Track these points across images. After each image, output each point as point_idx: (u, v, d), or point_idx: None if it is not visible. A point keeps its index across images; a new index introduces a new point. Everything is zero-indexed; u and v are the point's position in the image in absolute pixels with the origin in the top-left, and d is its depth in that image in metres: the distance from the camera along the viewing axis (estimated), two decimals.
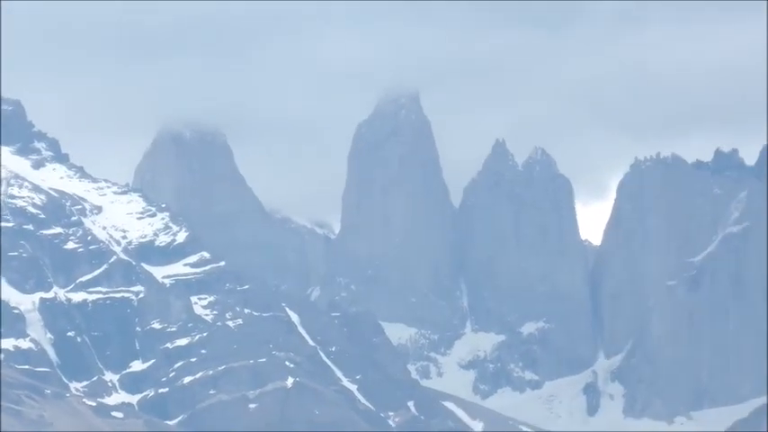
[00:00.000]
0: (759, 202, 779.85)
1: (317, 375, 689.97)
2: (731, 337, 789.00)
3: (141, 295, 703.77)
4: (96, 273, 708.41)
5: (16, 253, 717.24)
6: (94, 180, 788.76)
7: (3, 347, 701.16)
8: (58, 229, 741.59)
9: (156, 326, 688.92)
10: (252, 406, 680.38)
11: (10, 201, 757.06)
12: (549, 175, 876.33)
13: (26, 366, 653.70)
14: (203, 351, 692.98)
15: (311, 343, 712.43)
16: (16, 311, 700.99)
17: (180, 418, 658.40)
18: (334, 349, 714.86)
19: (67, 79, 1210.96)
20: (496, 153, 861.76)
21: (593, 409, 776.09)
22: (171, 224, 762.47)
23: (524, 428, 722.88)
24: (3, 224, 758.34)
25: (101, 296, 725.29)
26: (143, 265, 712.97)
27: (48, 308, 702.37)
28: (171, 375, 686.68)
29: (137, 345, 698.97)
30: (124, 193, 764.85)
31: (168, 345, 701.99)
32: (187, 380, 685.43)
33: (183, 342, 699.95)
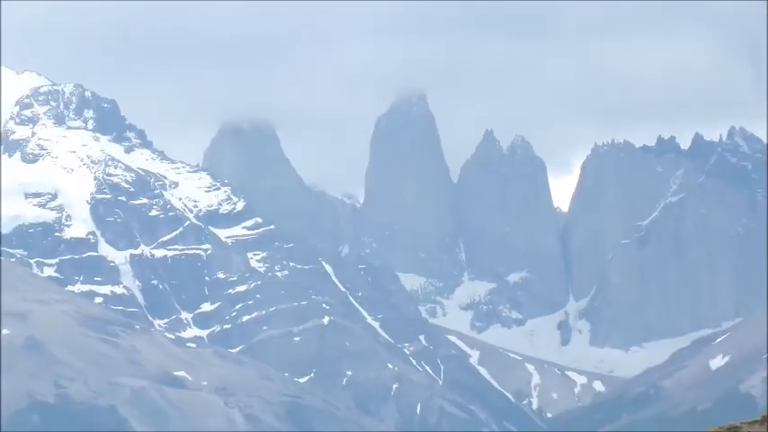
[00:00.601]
0: (693, 178, 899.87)
1: (347, 315, 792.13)
2: (672, 284, 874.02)
3: (209, 252, 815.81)
4: (173, 234, 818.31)
5: (112, 219, 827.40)
6: (172, 162, 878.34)
7: (102, 293, 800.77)
8: (144, 200, 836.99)
9: (221, 276, 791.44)
10: (296, 339, 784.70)
11: (107, 178, 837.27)
12: (528, 157, 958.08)
13: (120, 307, 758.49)
14: (257, 296, 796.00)
15: (342, 289, 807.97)
16: (112, 264, 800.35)
17: (240, 348, 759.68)
18: (360, 294, 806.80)
19: (151, 81, 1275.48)
20: (486, 140, 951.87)
21: (565, 341, 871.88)
22: (232, 196, 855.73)
23: (511, 355, 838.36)
24: (102, 196, 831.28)
25: (177, 252, 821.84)
26: (210, 228, 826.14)
27: (136, 261, 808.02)
28: (232, 315, 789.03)
29: (206, 291, 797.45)
30: (195, 171, 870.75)
31: (230, 291, 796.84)
32: (245, 318, 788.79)
33: (241, 288, 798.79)
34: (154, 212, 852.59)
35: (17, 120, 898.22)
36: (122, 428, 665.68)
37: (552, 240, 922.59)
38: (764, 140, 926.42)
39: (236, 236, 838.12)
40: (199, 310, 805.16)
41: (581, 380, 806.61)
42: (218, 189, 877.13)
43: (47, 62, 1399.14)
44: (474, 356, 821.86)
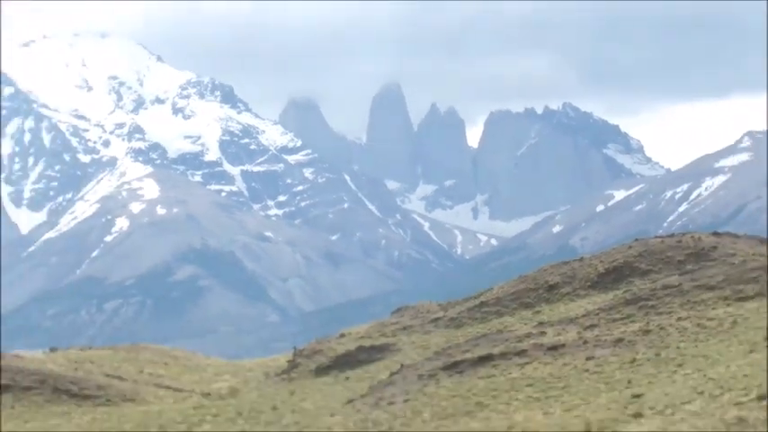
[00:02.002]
0: (545, 129, 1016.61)
1: (357, 203, 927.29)
2: (533, 185, 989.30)
3: (282, 168, 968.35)
4: (264, 158, 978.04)
5: (230, 150, 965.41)
6: (262, 119, 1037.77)
7: (226, 190, 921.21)
8: (247, 140, 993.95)
9: (288, 181, 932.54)
10: (330, 216, 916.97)
11: (227, 127, 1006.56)
12: (454, 117, 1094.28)
13: (234, 198, 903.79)
14: (308, 192, 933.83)
15: (354, 189, 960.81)
16: (230, 175, 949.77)
17: (298, 220, 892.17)
18: (364, 192, 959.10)
19: (250, 72, 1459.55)
20: (432, 108, 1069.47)
21: (475, 217, 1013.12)
22: (294, 138, 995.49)
23: (446, 225, 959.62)
24: (224, 138, 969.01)
25: (266, 168, 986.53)
26: (282, 155, 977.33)
27: (244, 173, 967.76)
28: (295, 202, 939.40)
29: (280, 189, 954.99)
30: (275, 125, 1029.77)
31: (294, 189, 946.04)
32: (302, 204, 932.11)
33: (299, 188, 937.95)
34: (253, 147, 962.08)
35: (180, 95, 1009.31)
36: (239, 265, 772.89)
37: (468, 164, 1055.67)
38: (581, 109, 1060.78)
39: (297, 159, 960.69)
40: (277, 200, 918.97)
41: (483, 238, 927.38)
42: (286, 134, 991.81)
43: (194, 61, 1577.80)
44: (425, 226, 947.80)
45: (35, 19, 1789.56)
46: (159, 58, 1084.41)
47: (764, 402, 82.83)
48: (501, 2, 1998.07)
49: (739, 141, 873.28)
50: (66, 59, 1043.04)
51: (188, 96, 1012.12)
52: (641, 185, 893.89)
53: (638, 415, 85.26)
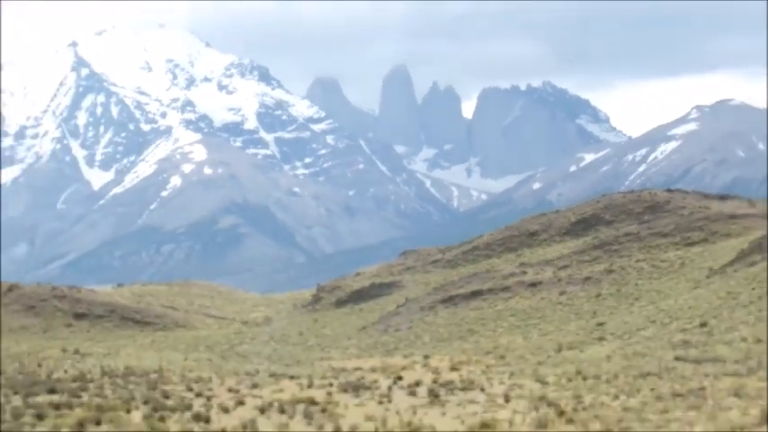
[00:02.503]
0: (528, 103, 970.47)
1: (371, 164, 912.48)
2: (516, 152, 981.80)
3: (308, 134, 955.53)
4: (293, 126, 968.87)
5: (266, 120, 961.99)
6: (292, 94, 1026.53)
7: (262, 154, 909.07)
8: (280, 111, 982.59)
9: (314, 146, 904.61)
10: (348, 175, 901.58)
11: (263, 101, 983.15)
12: (451, 92, 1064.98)
13: (268, 160, 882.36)
14: (331, 154, 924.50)
15: (368, 152, 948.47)
16: (266, 141, 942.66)
17: (322, 178, 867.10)
18: (377, 154, 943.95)
19: (281, 56, 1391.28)
20: (434, 86, 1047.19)
21: (469, 175, 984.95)
22: (319, 110, 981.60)
23: (445, 182, 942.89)
24: (260, 110, 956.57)
25: (295, 135, 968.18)
26: (309, 124, 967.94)
27: (277, 139, 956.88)
28: (319, 163, 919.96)
29: (307, 152, 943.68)
30: (303, 99, 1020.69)
31: (318, 152, 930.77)
32: (325, 165, 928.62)
33: (323, 152, 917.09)
34: (284, 117, 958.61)
35: (224, 74, 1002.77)
36: (272, 215, 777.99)
37: (463, 132, 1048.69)
38: (558, 86, 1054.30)
39: (321, 128, 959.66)
40: (304, 162, 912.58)
41: (475, 194, 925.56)
42: (312, 107, 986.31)
43: (236, 46, 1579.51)
44: (427, 183, 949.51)
45: (106, 12, 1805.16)
46: (207, 44, 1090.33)
47: (705, 328, 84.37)
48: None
49: (689, 114, 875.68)
50: (131, 46, 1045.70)
51: (231, 76, 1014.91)
52: (607, 150, 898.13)
53: (601, 339, 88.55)
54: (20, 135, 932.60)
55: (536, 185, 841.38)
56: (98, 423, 44.43)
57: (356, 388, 63.06)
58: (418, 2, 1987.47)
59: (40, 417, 46.07)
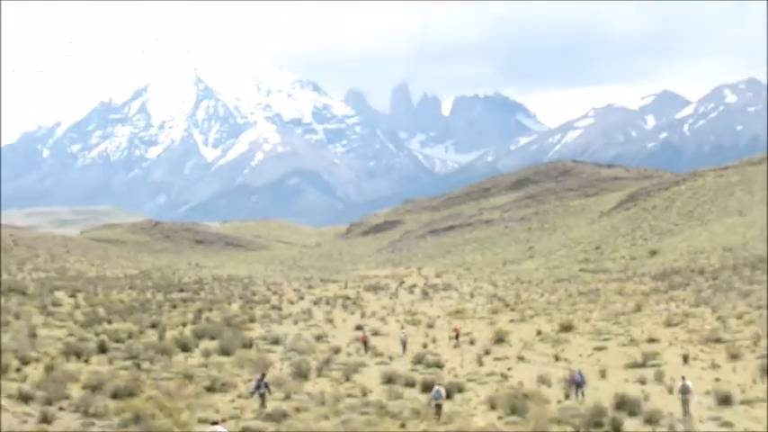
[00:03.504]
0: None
1: (383, 146, 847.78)
2: (478, 134, 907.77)
3: (340, 126, 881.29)
4: (330, 123, 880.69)
5: (318, 117, 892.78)
6: (332, 99, 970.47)
7: (316, 139, 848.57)
8: (325, 110, 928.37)
9: (343, 134, 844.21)
10: (368, 161, 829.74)
11: (315, 105, 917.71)
12: (435, 98, 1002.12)
13: (312, 142, 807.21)
14: (358, 141, 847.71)
15: (382, 137, 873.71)
16: (316, 131, 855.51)
17: (357, 158, 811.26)
18: (386, 134, 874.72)
19: (325, 74, 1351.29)
20: (423, 99, 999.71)
21: (446, 152, 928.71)
22: (351, 110, 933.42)
23: (429, 156, 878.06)
24: (314, 110, 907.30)
25: (335, 126, 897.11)
26: (345, 119, 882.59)
27: (327, 131, 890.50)
28: (352, 147, 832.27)
29: (341, 142, 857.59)
30: (341, 102, 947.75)
31: (348, 138, 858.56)
32: (354, 145, 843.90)
33: (353, 136, 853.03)
34: (328, 114, 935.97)
35: (290, 87, 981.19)
36: (321, 178, 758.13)
37: (443, 124, 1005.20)
38: (503, 94, 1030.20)
39: (352, 121, 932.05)
40: (341, 143, 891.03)
41: (451, 164, 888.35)
42: (347, 108, 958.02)
43: (298, 68, 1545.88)
44: (420, 157, 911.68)
45: (216, 43, 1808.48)
46: (280, 67, 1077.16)
47: (598, 250, 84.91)
48: (466, 33, 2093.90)
49: (588, 113, 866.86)
50: (230, 68, 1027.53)
51: (294, 88, 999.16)
52: (535, 136, 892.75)
53: (531, 257, 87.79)
54: (161, 126, 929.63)
55: (489, 158, 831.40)
56: (210, 311, 45.83)
57: (375, 288, 64.39)
58: (416, 36, 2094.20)
59: (174, 306, 47.12)
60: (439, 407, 21.52)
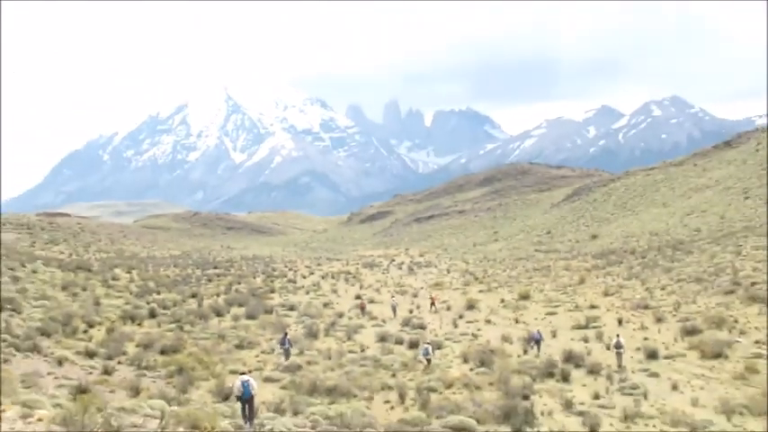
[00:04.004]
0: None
1: (376, 152, 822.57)
2: (449, 138, 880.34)
3: (341, 135, 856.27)
4: (333, 132, 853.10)
5: (326, 128, 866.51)
6: (335, 112, 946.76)
7: (329, 145, 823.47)
8: (331, 122, 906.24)
9: (342, 141, 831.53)
10: (366, 166, 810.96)
11: (323, 117, 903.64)
12: (418, 113, 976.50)
13: (320, 148, 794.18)
14: (355, 149, 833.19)
15: (377, 144, 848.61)
16: (323, 137, 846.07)
17: (356, 161, 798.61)
18: (379, 142, 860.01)
19: (339, 100, 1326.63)
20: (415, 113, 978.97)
21: (428, 155, 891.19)
22: (351, 123, 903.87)
23: (415, 160, 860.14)
24: (322, 122, 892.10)
25: (338, 134, 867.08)
26: (346, 129, 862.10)
27: (333, 138, 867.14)
28: (351, 151, 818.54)
29: (340, 147, 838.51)
30: (345, 115, 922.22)
31: (347, 144, 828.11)
32: (354, 150, 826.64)
33: (351, 143, 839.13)
34: (333, 125, 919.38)
35: (303, 103, 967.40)
36: (327, 177, 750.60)
37: (425, 133, 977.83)
38: (473, 109, 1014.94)
39: (353, 131, 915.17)
40: (343, 149, 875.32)
41: (431, 165, 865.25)
42: (348, 120, 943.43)
43: (308, 87, 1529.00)
44: (407, 160, 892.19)
45: (245, 69, 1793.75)
46: (294, 87, 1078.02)
47: (549, 234, 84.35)
48: (444, 60, 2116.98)
49: (541, 124, 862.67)
50: (255, 89, 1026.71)
51: (305, 104, 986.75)
52: (500, 142, 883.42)
53: (496, 240, 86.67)
54: (199, 135, 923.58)
55: (462, 161, 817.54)
56: (239, 283, 45.77)
57: (370, 265, 64.34)
58: (404, 62, 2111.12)
59: (209, 280, 47.03)
60: (429, 360, 21.89)
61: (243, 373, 14.03)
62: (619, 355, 21.65)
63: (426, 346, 22.69)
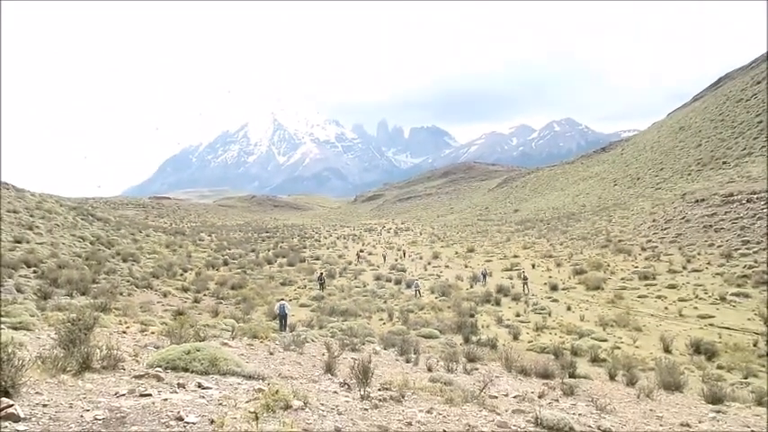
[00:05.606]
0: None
1: (369, 158, 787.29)
2: (423, 143, 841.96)
3: (349, 144, 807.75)
4: (343, 142, 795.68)
5: (338, 140, 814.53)
6: (343, 127, 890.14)
7: (338, 152, 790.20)
8: (343, 136, 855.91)
9: (343, 153, 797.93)
10: (365, 165, 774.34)
11: (337, 132, 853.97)
12: (399, 130, 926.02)
13: (331, 156, 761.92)
14: (358, 157, 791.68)
15: (377, 155, 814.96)
16: (336, 147, 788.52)
17: (357, 158, 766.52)
18: (383, 151, 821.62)
19: (342, 116, 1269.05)
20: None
21: (412, 158, 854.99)
22: (358, 138, 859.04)
23: (403, 160, 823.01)
24: (333, 136, 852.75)
25: (346, 144, 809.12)
26: (353, 140, 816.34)
27: (346, 147, 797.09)
28: (352, 160, 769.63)
29: (344, 156, 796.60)
30: (352, 131, 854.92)
31: (351, 152, 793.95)
32: (355, 158, 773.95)
33: (354, 152, 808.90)
34: (343, 137, 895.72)
35: (323, 123, 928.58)
36: (340, 171, 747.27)
37: (404, 143, 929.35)
38: (437, 126, 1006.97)
39: (357, 141, 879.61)
40: (350, 154, 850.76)
41: (410, 164, 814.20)
42: (354, 134, 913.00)
43: (327, 111, 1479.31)
44: (394, 161, 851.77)
45: (286, 99, 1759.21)
46: (318, 112, 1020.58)
47: (486, 210, 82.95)
48: (418, 93, 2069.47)
49: (481, 136, 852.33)
50: (292, 113, 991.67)
51: (326, 123, 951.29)
52: (453, 148, 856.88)
53: (451, 213, 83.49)
54: (255, 144, 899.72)
55: (430, 161, 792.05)
56: (282, 242, 45.45)
57: (370, 230, 63.89)
58: (391, 94, 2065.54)
59: (263, 240, 46.68)
60: (418, 291, 22.25)
61: (281, 300, 14.24)
62: (524, 284, 22.43)
63: (417, 281, 22.98)
